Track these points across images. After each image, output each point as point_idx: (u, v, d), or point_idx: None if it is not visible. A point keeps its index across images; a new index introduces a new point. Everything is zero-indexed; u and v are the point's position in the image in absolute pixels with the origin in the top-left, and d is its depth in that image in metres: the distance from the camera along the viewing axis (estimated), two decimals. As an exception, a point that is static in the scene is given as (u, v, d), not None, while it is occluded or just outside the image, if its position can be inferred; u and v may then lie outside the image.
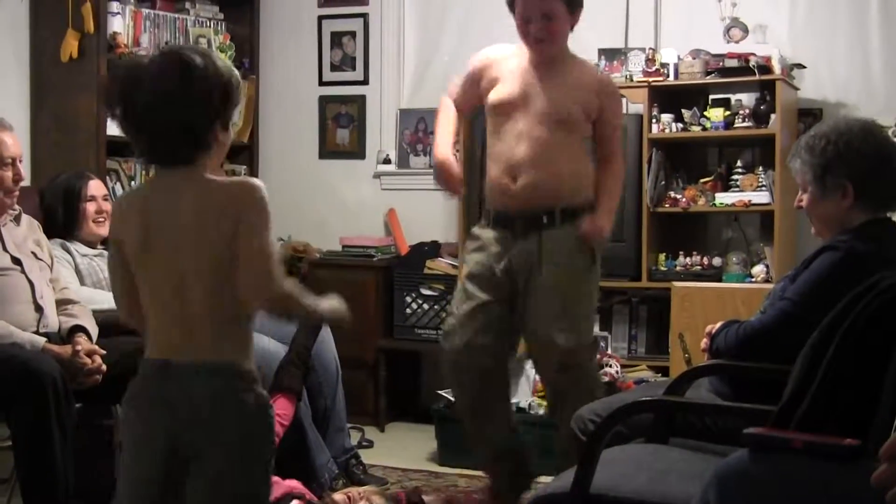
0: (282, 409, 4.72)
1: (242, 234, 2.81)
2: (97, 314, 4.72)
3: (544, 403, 5.49)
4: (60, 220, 5.22)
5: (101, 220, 5.24)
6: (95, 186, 5.32)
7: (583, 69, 4.61)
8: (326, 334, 5.33)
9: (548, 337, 4.43)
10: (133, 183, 6.43)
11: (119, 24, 6.41)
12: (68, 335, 4.55)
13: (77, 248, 5.17)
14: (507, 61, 4.63)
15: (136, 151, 3.00)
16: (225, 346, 2.90)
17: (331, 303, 3.04)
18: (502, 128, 4.52)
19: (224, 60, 2.96)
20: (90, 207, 5.24)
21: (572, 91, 4.50)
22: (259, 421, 2.93)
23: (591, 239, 4.45)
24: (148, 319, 2.97)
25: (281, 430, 4.65)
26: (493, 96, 4.56)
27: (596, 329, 4.54)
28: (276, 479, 4.49)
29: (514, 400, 5.51)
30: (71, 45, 6.14)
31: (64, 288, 4.77)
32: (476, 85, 4.68)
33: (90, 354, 4.44)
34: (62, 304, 4.67)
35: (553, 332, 4.41)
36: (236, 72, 2.98)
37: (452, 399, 4.82)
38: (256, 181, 2.91)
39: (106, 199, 5.34)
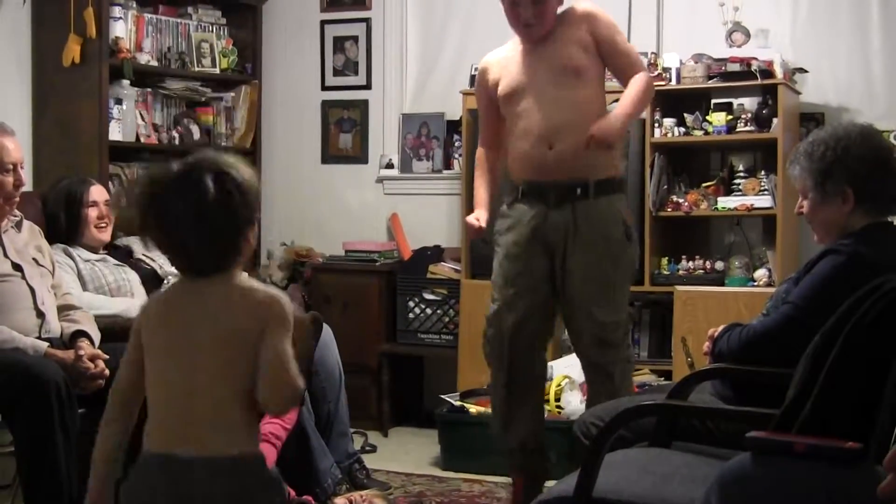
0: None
1: (268, 341, 2.81)
2: (99, 319, 4.73)
3: (550, 406, 5.48)
4: (63, 225, 5.23)
5: (102, 225, 5.25)
6: (97, 192, 5.33)
7: (566, 18, 4.54)
8: (329, 339, 5.33)
9: (586, 311, 4.45)
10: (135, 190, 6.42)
11: (121, 29, 6.43)
12: (70, 340, 4.55)
13: (79, 253, 5.18)
14: (499, 56, 4.67)
15: (173, 263, 3.01)
16: (235, 439, 2.88)
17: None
18: (523, 106, 4.50)
19: (247, 168, 2.96)
20: (92, 213, 5.25)
21: (569, 39, 4.48)
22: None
23: (597, 140, 4.29)
24: (150, 410, 2.96)
25: (284, 435, 4.65)
26: (503, 89, 4.56)
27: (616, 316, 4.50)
28: None
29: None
30: (73, 50, 6.15)
31: (66, 294, 4.77)
32: (488, 97, 4.68)
33: (93, 359, 4.43)
34: (64, 309, 4.67)
35: (591, 306, 4.43)
36: (252, 172, 2.99)
37: (489, 383, 4.80)
38: (283, 296, 2.92)
39: (108, 205, 5.35)
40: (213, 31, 7.18)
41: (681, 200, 6.11)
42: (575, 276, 4.46)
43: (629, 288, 4.67)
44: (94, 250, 5.24)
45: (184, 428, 2.86)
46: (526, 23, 4.47)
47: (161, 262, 5.49)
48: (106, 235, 5.29)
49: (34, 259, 4.69)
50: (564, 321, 4.64)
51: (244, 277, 2.97)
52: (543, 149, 4.44)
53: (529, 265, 4.53)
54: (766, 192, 5.94)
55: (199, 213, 2.83)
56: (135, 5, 6.65)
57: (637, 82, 4.48)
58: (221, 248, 2.88)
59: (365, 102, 7.40)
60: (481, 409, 5.78)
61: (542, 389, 4.87)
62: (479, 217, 4.63)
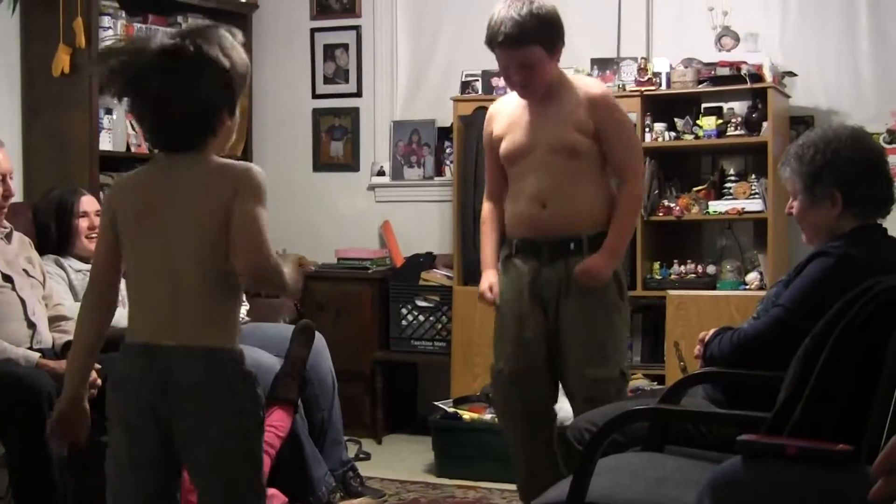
0: (279, 421, 4.71)
1: (237, 207, 2.86)
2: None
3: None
4: (54, 235, 5.23)
5: (93, 235, 5.24)
6: (88, 202, 5.33)
7: (574, 91, 4.51)
8: (322, 347, 5.33)
9: (578, 369, 4.43)
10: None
11: (111, 39, 6.41)
12: (62, 351, 4.55)
13: (71, 263, 5.17)
14: (507, 109, 4.65)
15: (145, 136, 3.09)
16: (213, 330, 2.95)
17: (290, 275, 3.03)
18: (519, 168, 4.52)
19: (233, 44, 2.98)
20: (83, 223, 5.25)
21: (568, 119, 4.45)
22: (249, 397, 2.98)
23: (585, 281, 4.37)
24: (131, 300, 3.02)
25: (278, 442, 4.65)
26: (503, 150, 4.57)
27: (626, 365, 4.50)
28: (274, 492, 4.51)
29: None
30: (62, 60, 6.14)
31: (57, 304, 4.77)
32: (493, 148, 4.66)
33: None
34: (55, 320, 4.67)
35: (582, 364, 4.41)
36: (243, 55, 3.01)
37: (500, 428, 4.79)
38: (255, 166, 3.01)
39: (98, 215, 5.35)
40: (203, 40, 7.17)
41: (672, 205, 6.12)
42: (567, 333, 4.44)
43: (625, 346, 4.64)
44: (85, 260, 5.23)
45: (165, 320, 2.92)
46: (521, 85, 4.48)
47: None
48: (97, 245, 5.30)
49: (24, 270, 4.69)
50: (560, 380, 4.61)
51: (217, 159, 3.02)
52: (537, 208, 4.45)
53: (526, 321, 4.51)
54: (756, 196, 5.95)
55: (169, 91, 2.87)
56: (124, 15, 6.64)
57: (626, 210, 4.49)
58: (190, 126, 2.93)
59: (356, 110, 7.40)
60: (475, 415, 5.79)
61: (553, 423, 4.74)
62: (491, 286, 4.62)
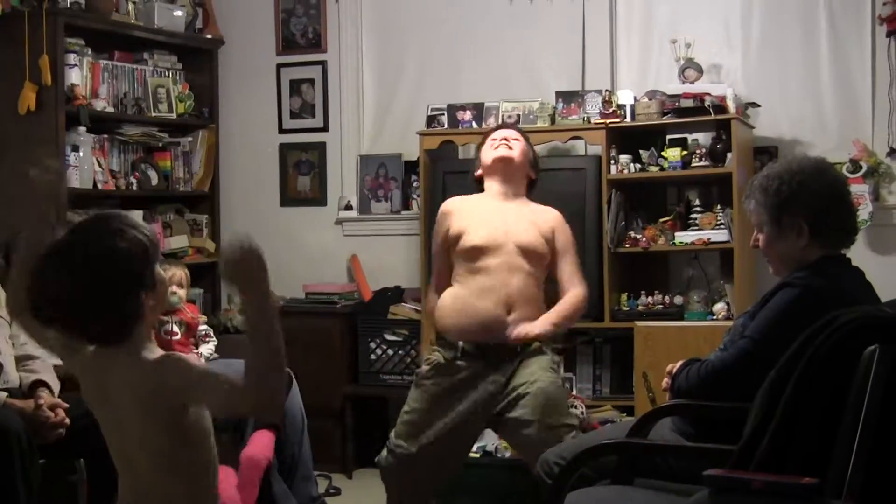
0: (268, 446, 4.78)
1: (201, 400, 2.76)
2: (58, 369, 4.70)
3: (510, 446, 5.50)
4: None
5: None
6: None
7: (539, 208, 4.87)
8: (291, 383, 5.32)
9: (543, 423, 4.50)
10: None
11: (77, 76, 6.43)
12: (30, 390, 4.53)
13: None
14: (470, 205, 4.86)
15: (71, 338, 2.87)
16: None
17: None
18: (484, 263, 4.67)
19: (135, 224, 2.85)
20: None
21: (537, 225, 4.75)
22: None
23: (515, 337, 4.59)
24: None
25: (266, 462, 4.70)
26: (470, 241, 4.72)
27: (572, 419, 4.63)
28: None
29: (480, 443, 5.53)
30: (29, 98, 6.15)
31: (24, 343, 4.75)
32: (446, 242, 4.85)
33: (53, 408, 4.41)
34: (22, 359, 4.65)
35: (545, 420, 4.50)
36: (147, 229, 2.88)
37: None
38: (167, 356, 2.83)
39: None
40: (169, 76, 7.19)
41: (638, 236, 6.14)
42: (523, 398, 4.54)
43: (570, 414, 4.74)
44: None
45: (140, 486, 2.86)
46: (504, 153, 4.79)
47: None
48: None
49: (-9, 310, 4.67)
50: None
51: (148, 338, 2.92)
52: (503, 314, 4.60)
53: (456, 413, 4.64)
54: (722, 226, 5.99)
55: (78, 292, 2.71)
56: (90, 52, 6.66)
57: (572, 299, 4.79)
58: (111, 322, 2.76)
59: (322, 144, 7.41)
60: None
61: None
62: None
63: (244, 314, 2.68)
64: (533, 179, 4.94)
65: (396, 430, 4.73)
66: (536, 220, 4.77)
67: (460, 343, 4.66)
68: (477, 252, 4.65)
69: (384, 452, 4.77)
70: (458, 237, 4.72)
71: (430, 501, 4.90)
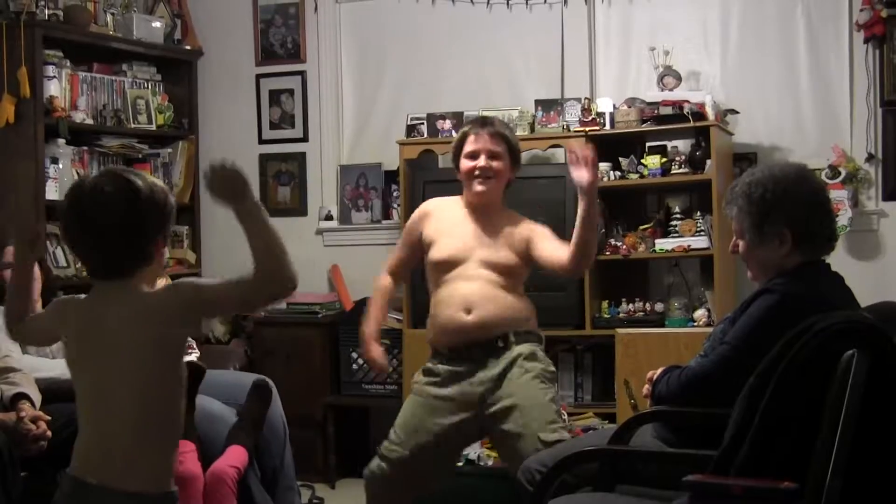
0: (236, 458, 4.75)
1: (213, 298, 2.98)
2: (40, 381, 4.69)
3: (493, 455, 5.50)
4: (4, 286, 5.19)
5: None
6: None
7: (513, 218, 4.76)
8: (273, 394, 5.32)
9: (532, 438, 4.42)
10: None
11: (55, 88, 6.42)
12: (11, 403, 4.51)
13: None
14: (445, 213, 4.82)
15: (84, 267, 3.10)
16: (141, 473, 2.91)
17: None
18: (448, 276, 4.67)
19: (154, 182, 3.06)
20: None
21: (507, 240, 4.67)
22: None
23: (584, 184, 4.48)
24: (79, 428, 3.02)
25: (237, 475, 4.67)
26: (437, 254, 4.71)
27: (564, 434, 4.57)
28: None
29: (463, 452, 5.53)
30: (7, 110, 6.13)
31: (5, 356, 4.73)
32: (415, 238, 4.84)
33: (35, 420, 4.39)
34: (3, 372, 4.63)
35: (537, 432, 4.42)
36: (169, 192, 3.09)
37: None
38: (179, 282, 3.02)
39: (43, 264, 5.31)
40: (148, 87, 7.19)
41: (619, 244, 6.15)
42: (514, 410, 4.50)
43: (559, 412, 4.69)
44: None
45: (93, 456, 2.89)
46: (483, 176, 4.67)
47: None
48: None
49: (-30, 323, 4.65)
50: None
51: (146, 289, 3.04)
52: (462, 315, 4.59)
53: (447, 415, 4.62)
54: (702, 233, 6.00)
55: (101, 222, 2.92)
56: (69, 64, 6.65)
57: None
58: (123, 255, 2.95)
59: (302, 155, 7.41)
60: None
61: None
62: (377, 356, 4.85)
63: (239, 219, 2.96)
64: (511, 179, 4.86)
65: (390, 437, 4.74)
66: (508, 235, 4.70)
67: (441, 350, 4.67)
68: (441, 265, 4.67)
69: (375, 461, 4.76)
70: (429, 245, 4.73)
71: None
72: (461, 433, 4.65)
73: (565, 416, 4.78)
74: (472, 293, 4.58)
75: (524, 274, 4.72)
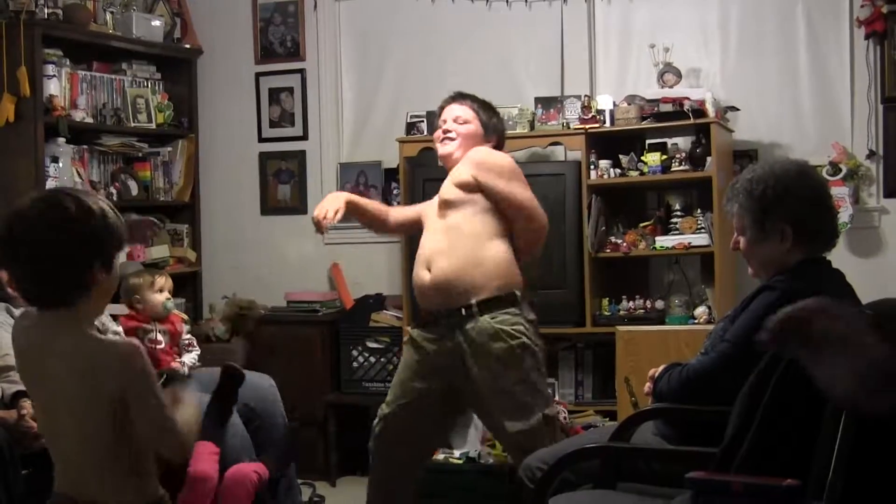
0: (261, 467, 4.79)
1: (136, 407, 2.80)
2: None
3: (493, 452, 5.51)
4: (3, 285, 5.19)
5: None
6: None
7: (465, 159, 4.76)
8: (274, 392, 5.32)
9: (499, 425, 4.52)
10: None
11: (55, 87, 6.41)
12: (12, 400, 4.51)
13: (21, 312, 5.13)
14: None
15: (21, 295, 2.99)
16: (120, 487, 2.89)
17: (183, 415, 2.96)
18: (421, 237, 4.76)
19: (106, 204, 2.95)
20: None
21: (453, 178, 4.69)
22: None
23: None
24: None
25: (258, 480, 4.71)
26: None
27: (549, 408, 4.55)
28: None
29: (463, 450, 5.54)
30: (7, 109, 6.13)
31: (5, 354, 4.73)
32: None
33: (35, 418, 4.40)
34: (4, 370, 4.64)
35: (502, 419, 4.50)
36: (114, 213, 2.95)
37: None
38: (133, 345, 2.88)
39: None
40: (148, 86, 7.18)
41: (619, 241, 6.15)
42: (481, 392, 4.55)
43: (544, 388, 4.66)
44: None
45: (72, 474, 2.89)
46: (445, 137, 4.77)
47: (104, 320, 5.46)
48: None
49: (-30, 323, 4.66)
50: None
51: (93, 319, 3.00)
52: (424, 273, 4.61)
53: (422, 381, 4.67)
54: (702, 230, 6.00)
55: (33, 245, 2.81)
56: (68, 63, 6.64)
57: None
58: (57, 281, 2.84)
59: (302, 153, 7.41)
60: (428, 455, 5.79)
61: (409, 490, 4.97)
62: (337, 209, 4.85)
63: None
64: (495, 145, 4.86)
65: (386, 399, 4.79)
66: (456, 175, 4.69)
67: (422, 314, 4.77)
68: (419, 224, 4.83)
69: (376, 419, 4.83)
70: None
71: (413, 479, 4.91)
72: (439, 399, 4.66)
73: (565, 414, 4.78)
74: (432, 245, 4.62)
75: (484, 205, 4.62)
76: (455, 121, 4.75)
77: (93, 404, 2.79)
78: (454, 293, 4.53)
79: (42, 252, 2.81)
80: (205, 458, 4.56)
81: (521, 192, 4.64)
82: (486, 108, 4.83)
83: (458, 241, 4.56)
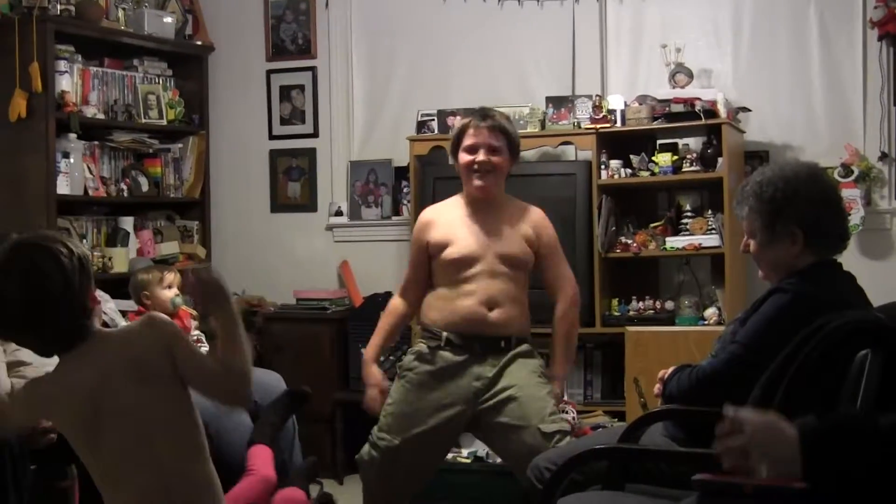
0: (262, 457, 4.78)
1: (184, 354, 2.93)
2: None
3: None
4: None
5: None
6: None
7: (518, 208, 4.80)
8: (281, 388, 5.32)
9: (531, 430, 4.47)
10: (84, 241, 6.41)
11: (67, 83, 6.43)
12: (21, 397, 4.51)
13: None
14: (447, 216, 4.81)
15: (33, 349, 3.08)
16: (200, 490, 2.97)
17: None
18: (467, 273, 4.66)
19: (73, 242, 3.01)
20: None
21: (517, 230, 4.71)
22: None
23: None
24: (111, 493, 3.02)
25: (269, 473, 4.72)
26: (453, 253, 4.69)
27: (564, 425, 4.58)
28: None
29: (471, 449, 5.53)
30: (19, 105, 6.14)
31: (15, 350, 4.73)
32: (424, 251, 4.81)
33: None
34: (14, 365, 4.63)
35: (537, 423, 4.47)
36: (80, 246, 3.03)
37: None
38: (152, 313, 3.08)
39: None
40: (159, 82, 7.19)
41: (629, 241, 6.14)
42: (513, 402, 4.54)
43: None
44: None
45: (166, 479, 2.93)
46: (482, 170, 4.67)
47: (112, 316, 5.46)
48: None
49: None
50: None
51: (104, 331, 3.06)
52: (484, 311, 4.61)
53: (440, 406, 4.64)
54: (713, 231, 5.99)
55: (30, 309, 2.88)
56: (80, 59, 6.65)
57: (568, 318, 4.77)
58: (67, 327, 2.92)
59: (312, 151, 7.41)
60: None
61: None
62: (374, 396, 4.85)
63: (219, 323, 2.98)
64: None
65: (379, 423, 4.74)
66: (517, 225, 4.72)
67: (444, 333, 4.65)
68: (459, 264, 4.65)
69: (366, 447, 4.77)
70: (439, 249, 4.69)
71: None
72: (452, 426, 4.65)
73: (568, 410, 4.77)
74: (497, 291, 4.61)
75: (531, 265, 4.74)
76: (490, 151, 4.67)
77: (163, 378, 2.91)
78: (505, 330, 4.64)
79: (45, 316, 2.89)
80: (269, 463, 4.65)
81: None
82: (510, 134, 4.75)
83: (517, 293, 4.67)
